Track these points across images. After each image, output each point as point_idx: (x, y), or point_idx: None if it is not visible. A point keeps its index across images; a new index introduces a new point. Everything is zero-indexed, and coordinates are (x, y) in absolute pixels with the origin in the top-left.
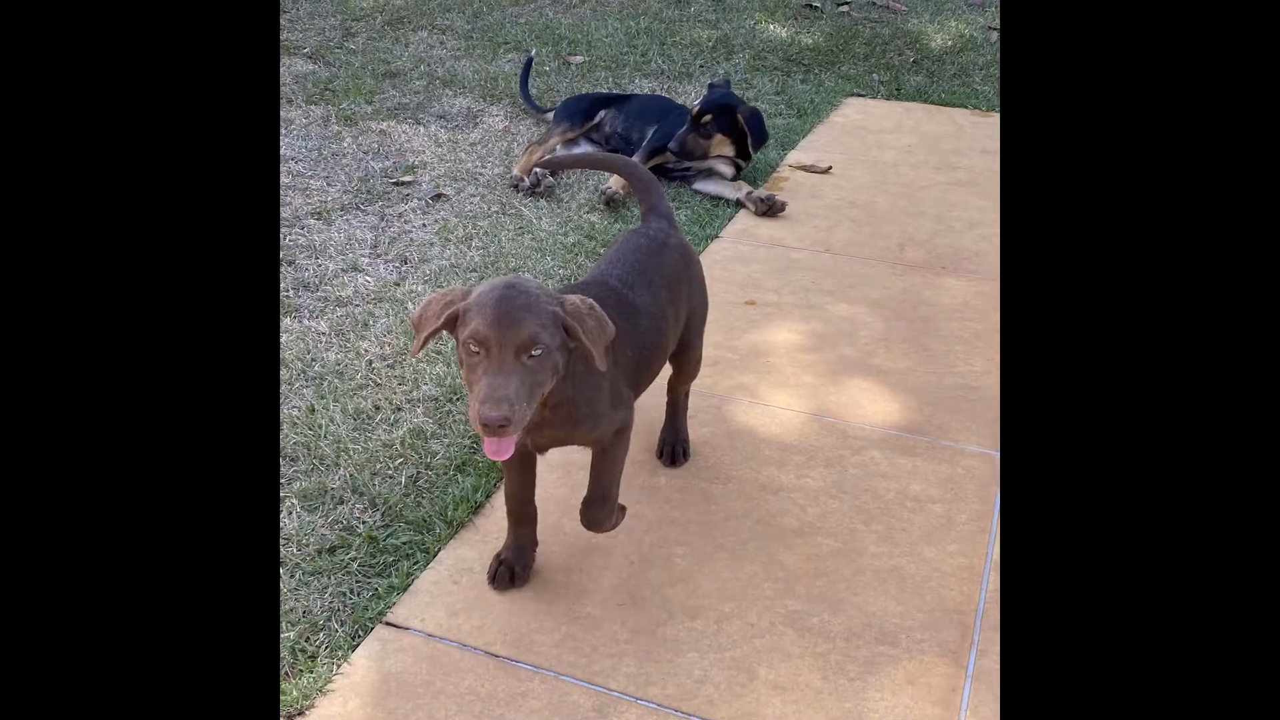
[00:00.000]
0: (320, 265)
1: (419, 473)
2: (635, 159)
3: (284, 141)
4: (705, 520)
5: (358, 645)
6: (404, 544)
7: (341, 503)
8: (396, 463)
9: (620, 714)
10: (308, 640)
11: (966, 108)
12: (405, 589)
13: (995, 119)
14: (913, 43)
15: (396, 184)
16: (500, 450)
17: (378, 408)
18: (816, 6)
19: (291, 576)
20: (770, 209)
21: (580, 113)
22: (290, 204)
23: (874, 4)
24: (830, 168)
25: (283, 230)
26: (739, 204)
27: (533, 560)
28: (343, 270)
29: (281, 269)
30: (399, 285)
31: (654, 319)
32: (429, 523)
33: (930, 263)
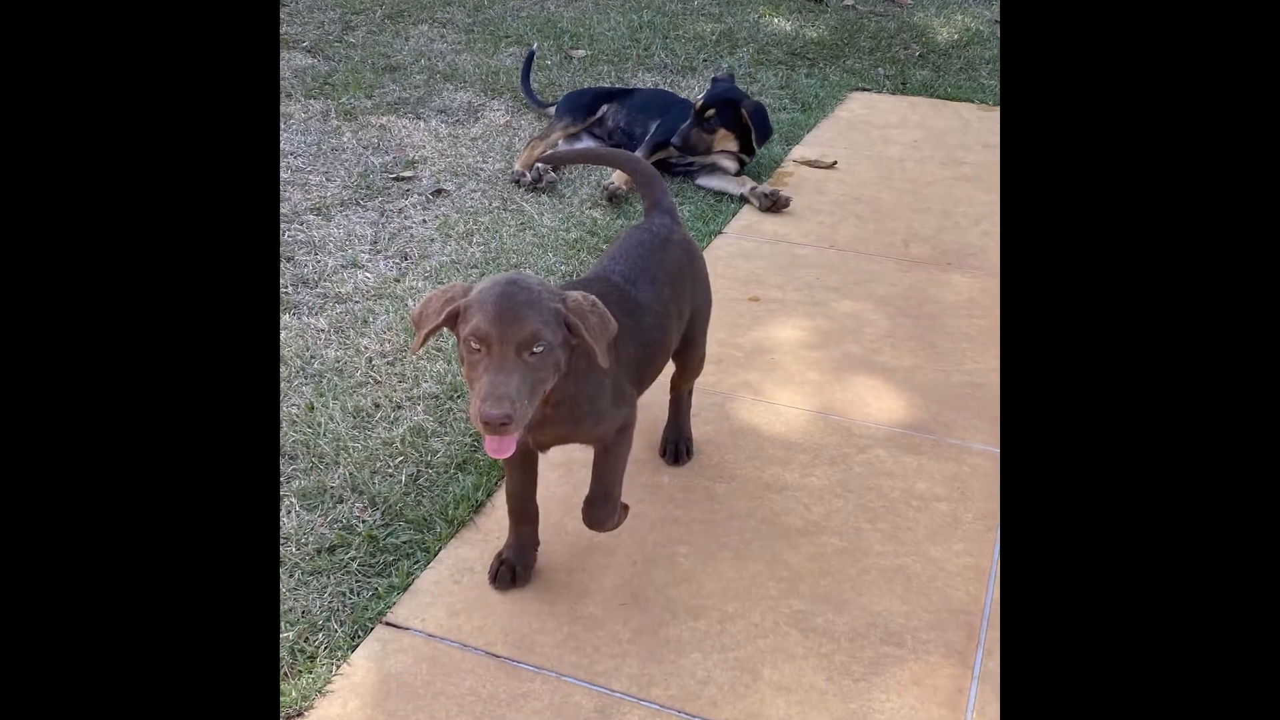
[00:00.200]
0: (319, 261)
1: (419, 471)
2: (638, 154)
3: (283, 136)
4: (709, 519)
5: (357, 646)
6: (404, 543)
7: (341, 501)
8: (397, 461)
9: (623, 715)
10: (307, 641)
11: (973, 102)
12: (405, 589)
13: None
14: (918, 36)
15: (397, 179)
16: (501, 448)
17: (378, 405)
18: (821, 0)
19: (290, 576)
20: (774, 204)
21: (582, 107)
22: (289, 199)
23: None
24: (835, 163)
25: (281, 226)
26: (743, 199)
27: (534, 560)
28: (342, 266)
29: (280, 265)
30: (399, 282)
31: (657, 316)
32: (429, 522)
33: (936, 259)
